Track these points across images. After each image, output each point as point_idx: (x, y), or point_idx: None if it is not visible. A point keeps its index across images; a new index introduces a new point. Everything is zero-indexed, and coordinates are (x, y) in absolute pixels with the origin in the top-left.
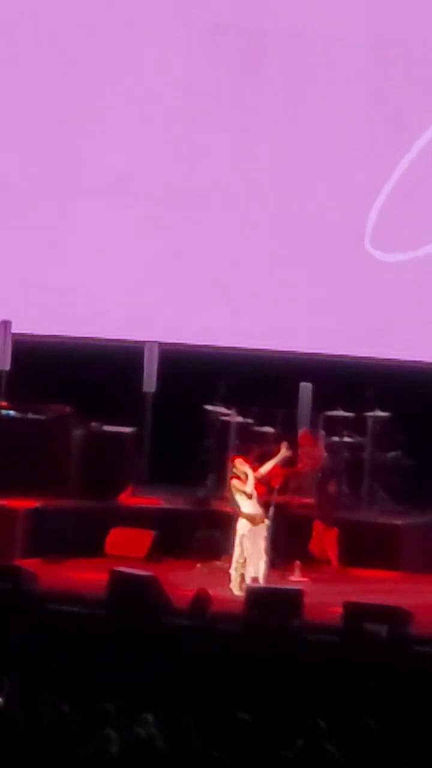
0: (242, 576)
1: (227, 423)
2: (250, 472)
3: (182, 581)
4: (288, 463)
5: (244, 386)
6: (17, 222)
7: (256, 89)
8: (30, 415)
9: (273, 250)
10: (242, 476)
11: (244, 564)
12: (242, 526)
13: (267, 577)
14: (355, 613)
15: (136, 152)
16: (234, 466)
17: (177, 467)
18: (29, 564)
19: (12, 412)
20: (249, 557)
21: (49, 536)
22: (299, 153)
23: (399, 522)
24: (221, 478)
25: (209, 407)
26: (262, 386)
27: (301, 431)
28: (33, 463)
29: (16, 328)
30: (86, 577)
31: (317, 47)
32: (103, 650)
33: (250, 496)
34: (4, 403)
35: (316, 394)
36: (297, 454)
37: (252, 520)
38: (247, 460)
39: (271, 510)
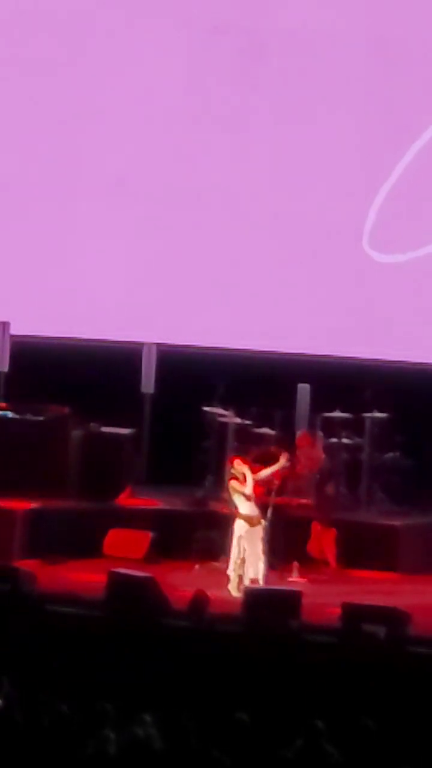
0: (240, 577)
1: (225, 424)
2: (248, 473)
3: (180, 582)
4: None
5: (243, 387)
6: (16, 222)
7: (255, 89)
8: (29, 416)
9: (272, 250)
10: (240, 477)
11: (241, 565)
12: (240, 527)
13: (265, 578)
14: (354, 614)
15: (135, 152)
16: (232, 467)
17: (175, 468)
18: (28, 565)
19: (11, 413)
20: (247, 558)
21: (48, 537)
22: (299, 153)
23: (397, 523)
24: (219, 479)
25: (207, 408)
26: (260, 387)
27: (300, 432)
28: (31, 463)
29: (14, 329)
30: (85, 578)
31: (317, 47)
32: (102, 651)
33: (249, 498)
34: (3, 404)
35: (315, 395)
36: (295, 456)
37: (249, 521)
38: (245, 461)
39: (270, 511)
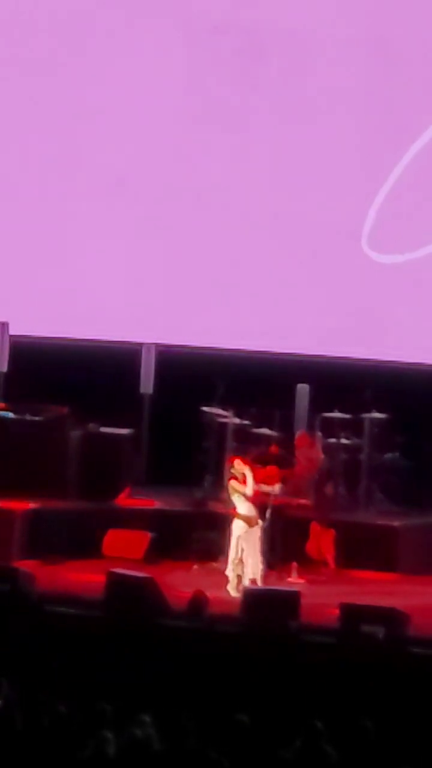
0: (239, 577)
1: (225, 424)
2: (249, 473)
3: (179, 582)
4: (285, 464)
5: (242, 387)
6: (15, 223)
7: (255, 89)
8: (28, 417)
9: (271, 251)
10: (240, 477)
11: (240, 565)
12: (238, 527)
13: (264, 578)
14: (352, 614)
15: (135, 152)
16: (233, 467)
17: (174, 469)
18: (27, 565)
19: (10, 414)
20: (245, 559)
21: (47, 537)
22: (299, 153)
23: (396, 523)
24: (218, 479)
25: (206, 409)
26: (259, 388)
27: (299, 433)
28: (31, 464)
29: (13, 330)
30: (84, 578)
31: (317, 47)
32: (101, 651)
33: (249, 498)
34: (2, 405)
35: (314, 395)
36: (294, 456)
37: (248, 521)
38: (246, 462)
39: (269, 511)
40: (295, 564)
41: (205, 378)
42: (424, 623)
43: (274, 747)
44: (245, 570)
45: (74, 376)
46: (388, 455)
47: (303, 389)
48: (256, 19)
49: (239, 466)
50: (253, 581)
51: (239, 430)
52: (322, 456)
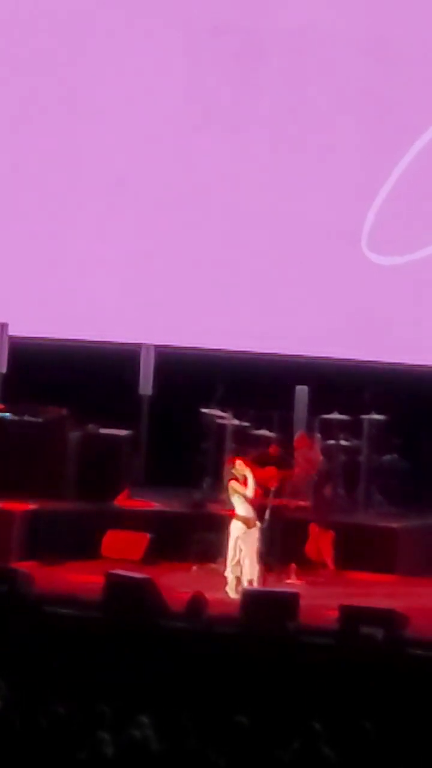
0: (238, 579)
1: (223, 426)
2: (250, 474)
3: (178, 584)
4: (284, 465)
5: (241, 389)
6: (15, 223)
7: (255, 89)
8: (27, 418)
9: (270, 252)
10: (241, 478)
11: (238, 566)
12: (237, 528)
13: (262, 579)
14: (351, 616)
15: (134, 153)
16: (234, 468)
17: (173, 470)
18: (26, 566)
19: (9, 415)
20: (243, 560)
21: (46, 538)
22: (298, 154)
23: (395, 525)
24: (217, 480)
25: (205, 410)
26: (258, 389)
27: (298, 434)
28: (30, 465)
29: (13, 331)
30: (82, 579)
31: (317, 47)
32: (100, 652)
33: (249, 500)
34: (1, 406)
35: (313, 397)
36: (293, 457)
37: (247, 522)
38: (247, 463)
39: (267, 513)
40: (294, 565)
41: (204, 379)
42: (423, 625)
43: (273, 748)
44: (244, 571)
45: (73, 377)
46: (387, 457)
47: (302, 391)
48: (255, 19)
49: (240, 468)
50: (250, 582)
51: (238, 432)
52: (321, 457)
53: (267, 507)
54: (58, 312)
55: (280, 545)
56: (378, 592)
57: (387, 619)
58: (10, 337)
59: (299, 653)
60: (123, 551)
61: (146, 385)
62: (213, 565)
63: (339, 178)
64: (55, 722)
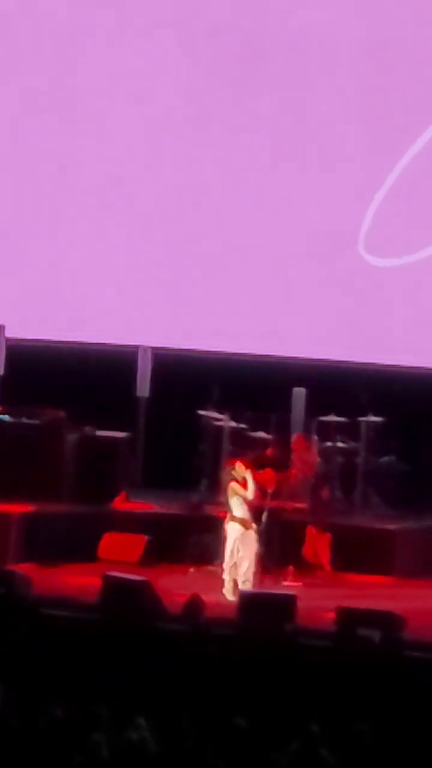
0: (235, 581)
1: (221, 428)
2: (250, 477)
3: (175, 586)
4: (281, 467)
5: (238, 391)
6: (12, 225)
7: (254, 91)
8: (24, 420)
9: (267, 254)
10: (241, 480)
11: (235, 568)
12: (235, 530)
13: (259, 581)
14: (349, 618)
15: (132, 154)
16: (234, 470)
17: (170, 472)
18: (23, 568)
19: (6, 417)
20: (241, 561)
21: (43, 540)
22: (297, 156)
23: (392, 527)
24: (214, 482)
25: (203, 412)
26: (255, 391)
27: (295, 436)
28: (27, 467)
29: (10, 333)
30: (80, 581)
31: (316, 48)
32: (97, 655)
33: (249, 502)
34: None
35: (310, 399)
36: (290, 459)
37: (244, 524)
38: (248, 466)
39: (265, 515)
40: (291, 567)
41: (201, 381)
42: (420, 626)
43: (270, 750)
44: (240, 573)
45: (71, 380)
46: (385, 459)
47: (299, 392)
48: (255, 20)
49: (240, 469)
50: (246, 584)
51: (235, 434)
52: (318, 459)
53: (264, 509)
54: (55, 314)
55: (278, 547)
56: (375, 593)
57: (384, 620)
58: (8, 339)
59: (296, 655)
60: (120, 553)
61: (143, 387)
62: (210, 567)
63: (337, 179)
64: (53, 724)
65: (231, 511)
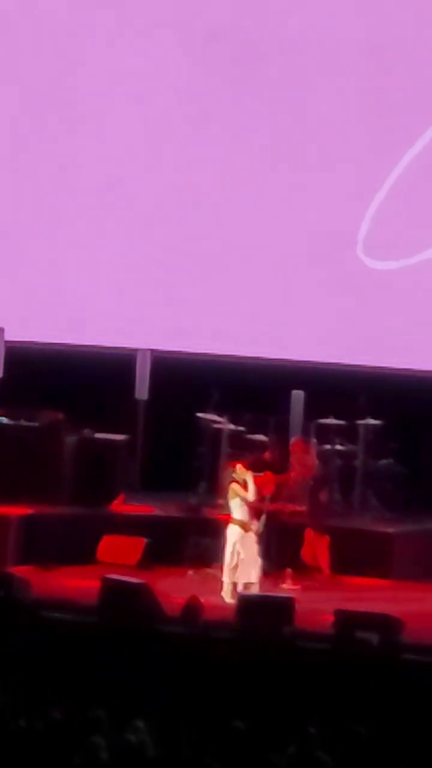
0: (234, 584)
1: (219, 430)
2: (250, 479)
3: (174, 588)
4: (280, 470)
5: (237, 393)
6: (11, 226)
7: (253, 92)
8: (23, 422)
9: (266, 257)
10: (242, 483)
11: (235, 571)
12: (234, 532)
13: (259, 583)
14: (347, 620)
15: (131, 156)
16: (234, 472)
17: (169, 474)
18: (21, 571)
19: (5, 419)
20: (242, 563)
21: (42, 543)
22: (295, 158)
23: (391, 530)
24: (213, 485)
25: (201, 415)
26: (254, 394)
27: (293, 439)
28: (26, 469)
29: (8, 335)
30: (78, 584)
31: (315, 50)
32: (95, 657)
33: (249, 504)
34: None
35: (308, 402)
36: (289, 462)
37: (244, 526)
38: (248, 468)
39: (263, 518)
40: (289, 570)
41: (200, 384)
42: (419, 629)
43: (269, 753)
44: (245, 575)
45: (69, 382)
46: (383, 462)
47: (298, 395)
48: (255, 21)
49: (241, 472)
50: (250, 585)
51: (234, 436)
52: (316, 462)
53: (263, 512)
54: (54, 317)
55: (276, 550)
56: (374, 596)
57: (383, 623)
58: (6, 342)
59: (295, 658)
60: (119, 556)
61: (142, 390)
62: (209, 570)
63: (335, 182)
64: (52, 726)
65: (231, 513)
